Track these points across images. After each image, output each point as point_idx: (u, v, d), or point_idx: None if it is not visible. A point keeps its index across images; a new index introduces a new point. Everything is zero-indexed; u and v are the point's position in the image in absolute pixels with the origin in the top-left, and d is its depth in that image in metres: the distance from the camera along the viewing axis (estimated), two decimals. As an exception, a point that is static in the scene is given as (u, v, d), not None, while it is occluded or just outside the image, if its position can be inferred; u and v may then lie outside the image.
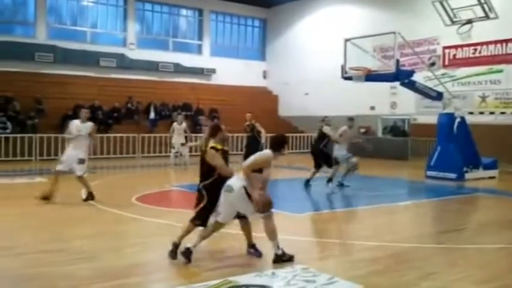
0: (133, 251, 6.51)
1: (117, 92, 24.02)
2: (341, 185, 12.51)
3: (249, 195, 5.73)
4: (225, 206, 5.89)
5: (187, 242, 5.90)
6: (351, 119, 13.12)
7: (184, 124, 17.10)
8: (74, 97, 21.68)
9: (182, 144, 16.82)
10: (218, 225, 6.05)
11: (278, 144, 6.07)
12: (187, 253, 5.78)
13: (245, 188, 5.75)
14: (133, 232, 7.81)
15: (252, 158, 6.00)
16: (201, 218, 6.07)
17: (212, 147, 6.03)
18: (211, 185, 6.01)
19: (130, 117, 23.39)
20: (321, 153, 12.68)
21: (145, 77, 26.17)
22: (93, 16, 26.27)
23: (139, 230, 7.97)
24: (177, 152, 16.86)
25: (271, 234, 5.92)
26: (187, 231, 6.09)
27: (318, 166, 12.78)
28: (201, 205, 6.06)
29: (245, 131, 15.63)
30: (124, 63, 25.87)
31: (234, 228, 7.74)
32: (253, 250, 6.19)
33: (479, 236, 8.04)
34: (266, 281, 5.17)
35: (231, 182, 5.86)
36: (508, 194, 12.05)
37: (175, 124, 17.04)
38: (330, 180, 12.09)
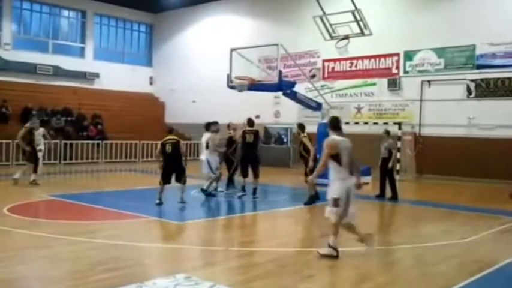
0: (6, 266, 6.09)
1: (-10, 94, 22.35)
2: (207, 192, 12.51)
3: None
4: None
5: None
6: (215, 123, 13.28)
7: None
8: None
9: None
10: None
11: None
12: None
13: None
14: (5, 245, 7.29)
15: None
16: None
17: None
18: None
19: (5, 122, 21.84)
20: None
21: (21, 80, 24.57)
22: (-38, 13, 24.27)
23: (12, 242, 7.47)
24: None
25: None
26: None
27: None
28: None
29: None
30: (-2, 64, 24.14)
31: (115, 239, 7.57)
32: None
33: (353, 239, 8.52)
34: (147, 291, 5.11)
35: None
36: (380, 199, 12.92)
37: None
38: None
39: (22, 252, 6.83)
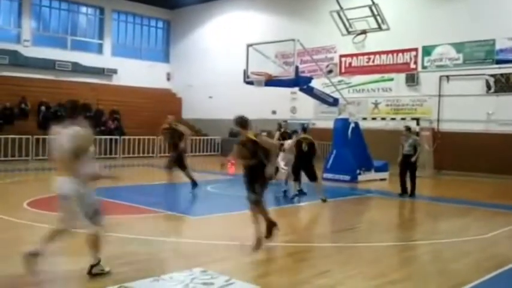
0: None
1: (10, 91, 22.66)
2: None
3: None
4: None
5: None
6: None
7: None
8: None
9: None
10: None
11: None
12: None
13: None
14: (24, 239, 7.40)
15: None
16: None
17: None
18: None
19: (24, 117, 22.16)
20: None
21: (40, 76, 24.94)
22: (-17, 10, 24.69)
23: (31, 236, 7.56)
24: None
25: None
26: None
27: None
28: None
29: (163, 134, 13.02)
30: (18, 60, 24.47)
31: (131, 233, 7.65)
32: None
33: (370, 234, 8.52)
34: (163, 285, 5.16)
35: None
36: (397, 195, 12.83)
37: None
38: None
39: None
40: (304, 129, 12.05)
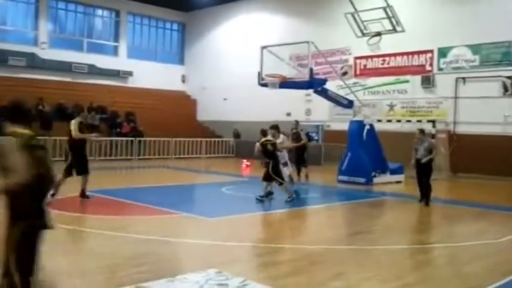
0: (41, 258, 6.26)
1: (27, 92, 22.89)
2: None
3: None
4: None
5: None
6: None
7: None
8: (-21, 97, 20.44)
9: None
10: None
11: None
12: None
13: None
14: (42, 239, 7.50)
15: None
16: None
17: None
18: None
19: (41, 119, 22.38)
20: None
21: (57, 78, 25.23)
22: (1, 13, 25.02)
23: (48, 236, 7.63)
24: None
25: None
26: None
27: None
28: None
29: None
30: (35, 62, 24.81)
31: (146, 234, 7.70)
32: None
33: (385, 237, 8.46)
34: (178, 286, 5.18)
35: None
36: (413, 198, 12.74)
37: None
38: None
39: (57, 246, 6.96)
40: (264, 132, 11.85)
